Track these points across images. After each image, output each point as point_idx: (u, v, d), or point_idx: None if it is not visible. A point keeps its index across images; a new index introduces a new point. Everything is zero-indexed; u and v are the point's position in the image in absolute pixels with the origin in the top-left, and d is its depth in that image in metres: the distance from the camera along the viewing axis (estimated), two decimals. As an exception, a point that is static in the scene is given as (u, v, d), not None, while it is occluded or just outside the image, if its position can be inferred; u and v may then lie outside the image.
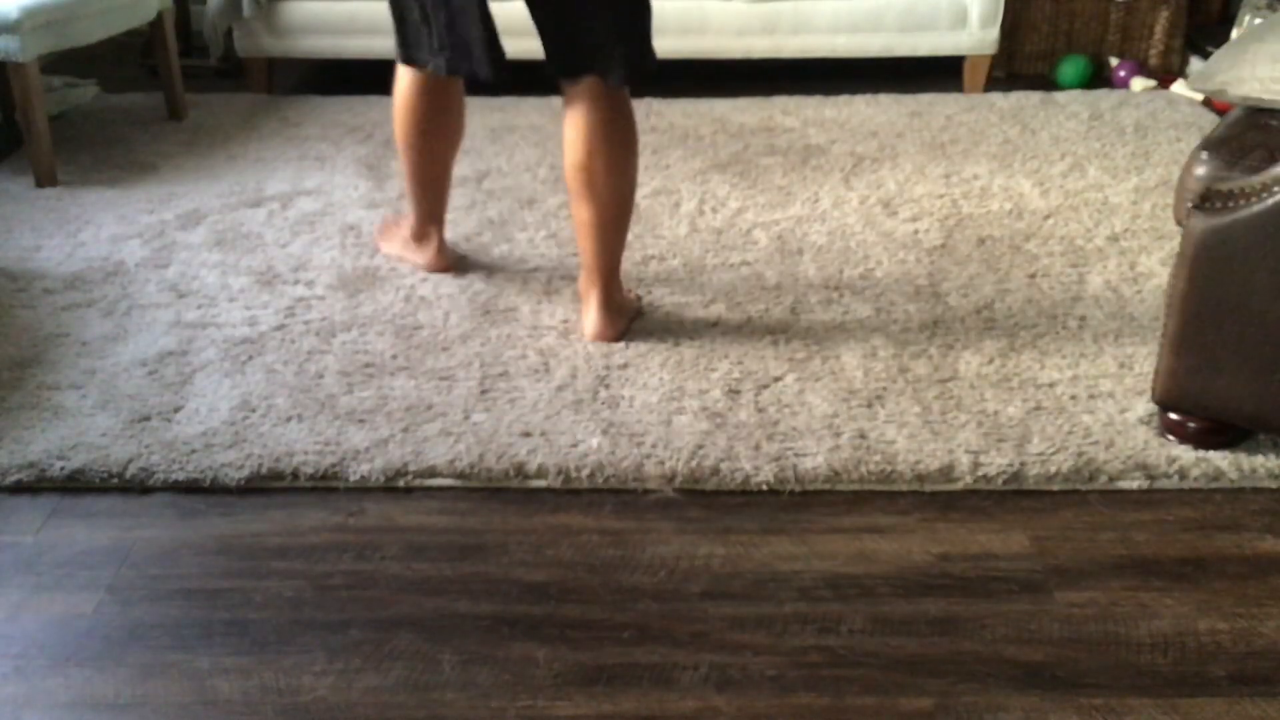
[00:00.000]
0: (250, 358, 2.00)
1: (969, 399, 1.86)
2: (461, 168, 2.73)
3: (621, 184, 1.98)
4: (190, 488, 1.69)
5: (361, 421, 1.80)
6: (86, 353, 2.02)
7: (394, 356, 2.00)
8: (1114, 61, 3.60)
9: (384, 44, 3.45)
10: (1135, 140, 3.00)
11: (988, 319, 2.10)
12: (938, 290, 2.21)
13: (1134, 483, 1.68)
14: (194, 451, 1.73)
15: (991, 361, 1.96)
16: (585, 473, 1.69)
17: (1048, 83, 3.59)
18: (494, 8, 1.96)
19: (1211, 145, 1.69)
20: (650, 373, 1.94)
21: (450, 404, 1.85)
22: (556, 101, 2.73)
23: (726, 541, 1.57)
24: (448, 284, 2.25)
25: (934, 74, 3.56)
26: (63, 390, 1.90)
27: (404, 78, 2.12)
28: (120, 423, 1.80)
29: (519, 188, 2.38)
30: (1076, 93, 3.42)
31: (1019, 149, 2.95)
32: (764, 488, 1.67)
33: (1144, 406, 1.82)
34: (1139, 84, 3.46)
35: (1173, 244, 1.70)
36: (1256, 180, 1.56)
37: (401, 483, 1.69)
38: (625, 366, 1.96)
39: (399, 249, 2.35)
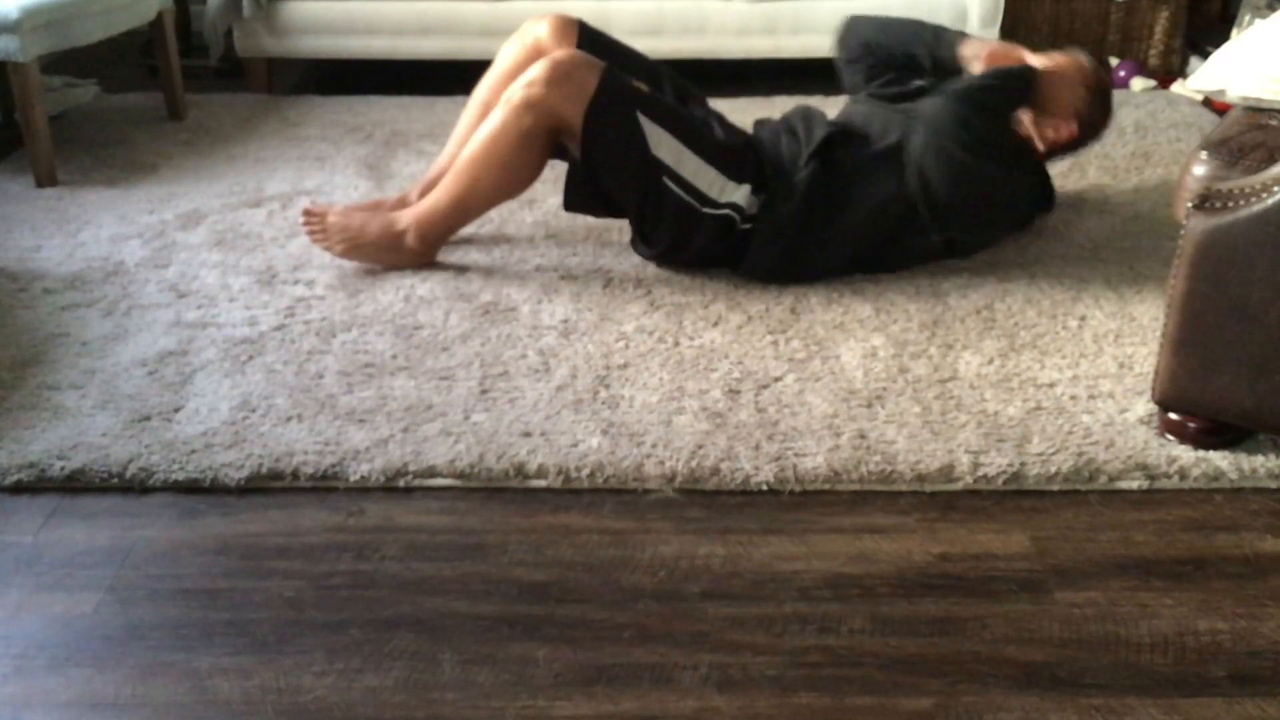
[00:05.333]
0: (250, 358, 2.00)
1: (969, 399, 1.86)
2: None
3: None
4: (190, 488, 1.68)
5: (361, 421, 1.80)
6: (86, 353, 2.02)
7: (394, 356, 2.00)
8: (1114, 61, 3.60)
9: (384, 44, 3.47)
10: (1135, 140, 3.00)
11: (988, 319, 2.10)
12: (938, 290, 2.21)
13: (1134, 483, 1.68)
14: (194, 451, 1.73)
15: (991, 361, 1.96)
16: (585, 473, 1.69)
17: (1048, 83, 3.59)
18: None
19: (1211, 145, 1.69)
20: (650, 373, 1.94)
21: (450, 404, 1.85)
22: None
23: (726, 541, 1.57)
24: (448, 284, 2.25)
25: (934, 74, 3.56)
26: (63, 390, 1.90)
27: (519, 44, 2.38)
28: (120, 423, 1.80)
29: (519, 188, 2.42)
30: (1076, 93, 3.42)
31: (1019, 149, 2.95)
32: (764, 488, 1.67)
33: (1144, 406, 1.82)
34: (1139, 84, 3.46)
35: (1173, 244, 1.70)
36: (1256, 180, 1.56)
37: (401, 483, 1.69)
38: (625, 366, 1.96)
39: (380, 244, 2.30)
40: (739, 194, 2.18)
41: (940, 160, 2.13)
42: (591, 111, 2.10)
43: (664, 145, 2.14)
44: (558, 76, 2.11)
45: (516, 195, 2.31)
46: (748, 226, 2.20)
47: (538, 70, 2.13)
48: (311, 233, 2.30)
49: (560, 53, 2.15)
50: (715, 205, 2.17)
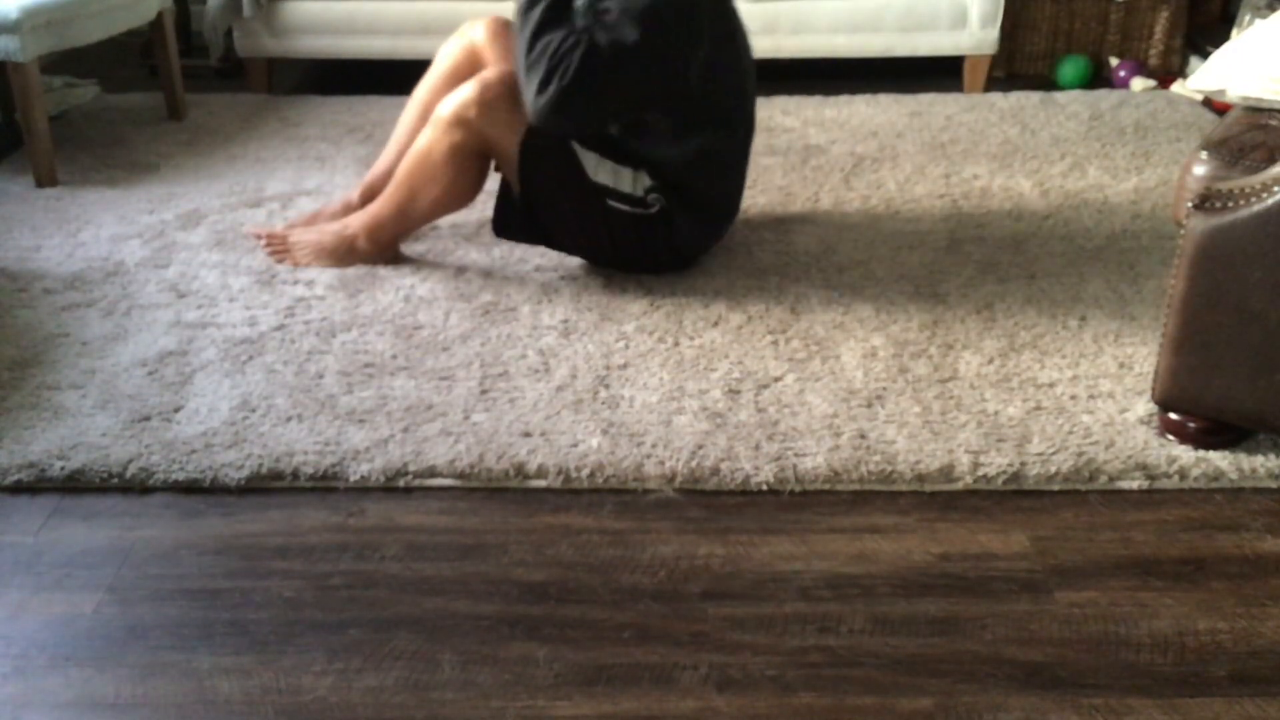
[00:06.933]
0: (250, 358, 2.00)
1: (969, 399, 1.86)
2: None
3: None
4: (190, 488, 1.69)
5: (361, 421, 1.80)
6: (86, 353, 2.02)
7: (394, 356, 2.00)
8: (1114, 61, 3.60)
9: (384, 44, 3.47)
10: (1135, 140, 3.00)
11: (988, 319, 2.10)
12: (938, 290, 2.21)
13: (1134, 483, 1.68)
14: (194, 451, 1.73)
15: (991, 361, 1.96)
16: (585, 473, 1.69)
17: (1048, 83, 3.59)
18: None
19: (1211, 145, 1.69)
20: (650, 373, 1.94)
21: (450, 404, 1.85)
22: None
23: (726, 541, 1.57)
24: (448, 284, 2.25)
25: (934, 74, 3.56)
26: (63, 390, 1.90)
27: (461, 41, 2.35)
28: (120, 423, 1.80)
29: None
30: (1076, 93, 3.43)
31: (1019, 149, 2.95)
32: (764, 488, 1.67)
33: (1144, 406, 1.82)
34: (1139, 84, 3.46)
35: (1173, 244, 1.70)
36: (1256, 180, 1.56)
37: (401, 483, 1.69)
38: (625, 366, 1.96)
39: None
40: (646, 177, 2.17)
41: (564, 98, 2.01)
42: (526, 145, 2.09)
43: (600, 168, 2.13)
44: (487, 102, 2.08)
45: (462, 207, 2.29)
46: (663, 202, 2.17)
47: (468, 93, 2.10)
48: (274, 253, 2.36)
49: (492, 74, 2.10)
50: (648, 204, 2.17)
